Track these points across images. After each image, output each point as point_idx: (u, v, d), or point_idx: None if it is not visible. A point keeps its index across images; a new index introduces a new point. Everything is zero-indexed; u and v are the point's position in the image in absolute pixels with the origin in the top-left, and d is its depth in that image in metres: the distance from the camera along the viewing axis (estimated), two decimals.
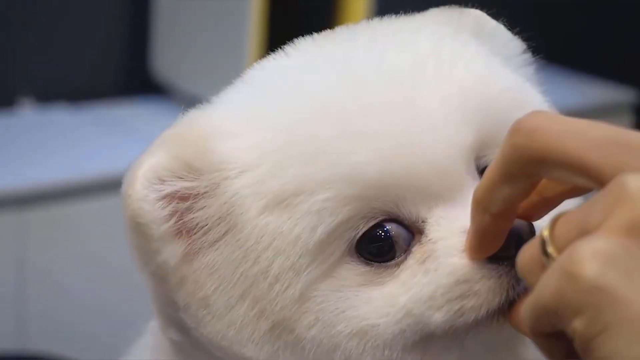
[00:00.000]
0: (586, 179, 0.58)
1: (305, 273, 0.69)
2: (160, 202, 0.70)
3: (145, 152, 0.72)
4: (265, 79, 0.76)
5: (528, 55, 0.80)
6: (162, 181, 0.70)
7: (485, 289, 0.67)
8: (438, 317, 0.68)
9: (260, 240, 0.69)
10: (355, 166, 0.68)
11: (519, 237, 0.66)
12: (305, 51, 0.77)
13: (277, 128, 0.71)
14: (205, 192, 0.71)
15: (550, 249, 0.57)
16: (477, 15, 0.80)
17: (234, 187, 0.70)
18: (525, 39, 0.80)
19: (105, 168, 2.05)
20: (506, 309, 0.68)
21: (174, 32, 2.35)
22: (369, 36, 0.76)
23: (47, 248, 2.02)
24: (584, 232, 0.55)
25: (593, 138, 0.58)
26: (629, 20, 2.94)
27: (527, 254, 0.60)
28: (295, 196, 0.69)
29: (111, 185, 2.07)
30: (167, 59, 2.37)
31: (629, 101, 2.73)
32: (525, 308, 0.58)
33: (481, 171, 0.72)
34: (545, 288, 0.55)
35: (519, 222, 0.67)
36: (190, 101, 0.77)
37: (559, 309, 0.54)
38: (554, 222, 0.58)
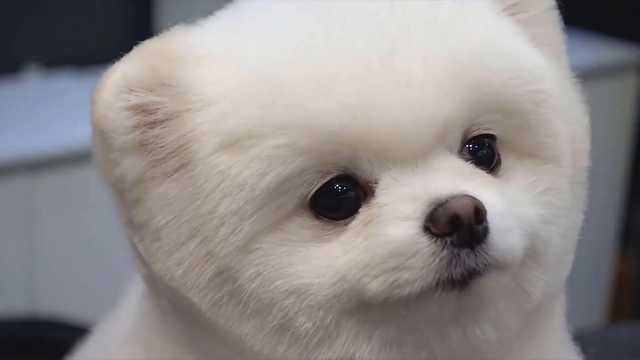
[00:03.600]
0: None
1: (250, 220, 0.67)
2: (126, 112, 0.69)
3: (119, 62, 0.70)
4: (251, 11, 0.73)
5: (551, 2, 0.77)
6: (131, 91, 0.69)
7: (420, 265, 0.65)
8: (373, 287, 0.66)
9: (210, 179, 0.67)
10: (314, 115, 0.66)
11: (456, 217, 0.65)
12: None
13: (245, 64, 0.68)
14: (167, 119, 0.69)
15: None
16: None
17: (194, 121, 0.68)
18: None
19: None
20: (453, 284, 0.66)
21: None
22: None
23: (55, 212, 2.02)
24: None
25: None
26: None
27: None
28: (247, 139, 0.66)
29: None
30: (173, 24, 2.36)
31: (636, 60, 2.72)
32: None
33: (468, 141, 0.70)
34: None
35: (457, 202, 0.65)
36: None
37: None
38: None
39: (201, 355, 0.75)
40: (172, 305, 0.74)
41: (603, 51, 2.70)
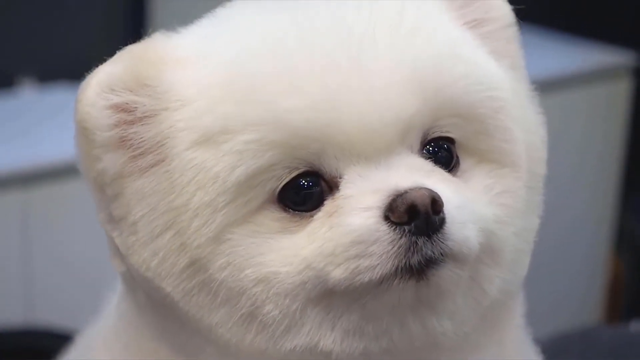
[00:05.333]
0: None
1: (221, 212, 0.70)
2: (108, 111, 0.72)
3: (103, 64, 0.74)
4: (227, 16, 0.77)
5: (511, 19, 0.80)
6: (113, 90, 0.72)
7: (379, 252, 0.69)
8: (337, 274, 0.69)
9: (185, 173, 0.71)
10: (284, 112, 0.69)
11: (414, 206, 0.68)
12: None
13: (220, 65, 0.72)
14: (145, 117, 0.72)
15: None
16: None
17: (172, 119, 0.72)
18: (517, 2, 0.80)
19: None
20: (412, 273, 0.69)
21: (174, 6, 2.36)
22: None
23: (50, 225, 2.04)
24: None
25: None
26: None
27: None
28: (221, 134, 0.70)
29: None
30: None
31: (628, 64, 2.73)
32: None
33: (427, 142, 0.73)
34: None
35: (415, 193, 0.69)
36: None
37: None
38: None
39: (176, 348, 0.77)
40: (147, 298, 0.77)
41: (596, 56, 2.71)
